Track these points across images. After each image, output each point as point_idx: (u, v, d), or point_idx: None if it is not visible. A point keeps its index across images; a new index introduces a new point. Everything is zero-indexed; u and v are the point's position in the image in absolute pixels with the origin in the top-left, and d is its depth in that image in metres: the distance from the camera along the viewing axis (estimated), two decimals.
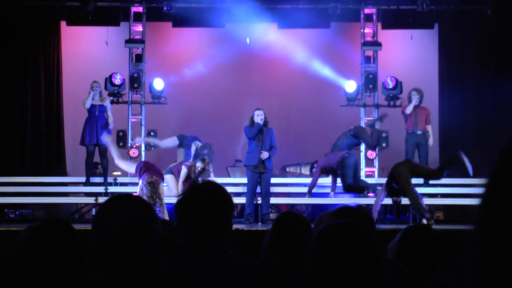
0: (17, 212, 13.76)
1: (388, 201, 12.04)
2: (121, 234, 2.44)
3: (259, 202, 12.19)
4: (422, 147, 13.33)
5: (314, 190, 14.05)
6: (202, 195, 2.89)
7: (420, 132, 13.32)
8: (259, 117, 11.90)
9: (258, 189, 12.10)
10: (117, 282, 2.47)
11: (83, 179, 13.61)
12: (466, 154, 11.63)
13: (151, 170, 10.98)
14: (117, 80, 15.02)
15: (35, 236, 3.05)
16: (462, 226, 10.22)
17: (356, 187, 12.46)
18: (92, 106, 13.34)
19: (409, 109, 13.32)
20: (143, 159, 15.34)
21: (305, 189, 14.40)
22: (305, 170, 16.73)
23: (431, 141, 13.56)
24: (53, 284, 2.91)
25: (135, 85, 15.51)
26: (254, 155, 11.81)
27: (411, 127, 13.40)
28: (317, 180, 12.90)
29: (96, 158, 13.78)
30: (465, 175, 13.32)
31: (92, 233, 2.53)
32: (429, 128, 13.59)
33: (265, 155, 11.77)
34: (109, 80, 15.02)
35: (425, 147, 13.37)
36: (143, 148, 15.44)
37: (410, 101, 13.45)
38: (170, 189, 12.46)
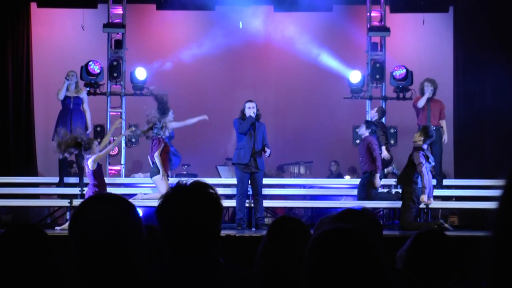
0: None
1: (398, 204, 12.07)
2: (101, 239, 2.43)
3: (252, 205, 12.19)
4: (435, 144, 13.28)
5: (314, 192, 14.09)
6: (186, 197, 2.88)
7: (434, 128, 13.29)
8: (251, 110, 11.89)
9: (250, 191, 12.11)
10: None
11: (56, 180, 13.58)
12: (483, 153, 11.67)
13: None
14: (94, 68, 14.96)
15: (2, 243, 3.04)
16: (479, 233, 10.24)
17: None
18: (67, 97, 13.30)
19: (421, 102, 13.31)
20: (123, 156, 15.35)
21: (303, 191, 14.42)
22: (304, 169, 16.75)
23: (445, 137, 13.52)
24: None
25: (115, 74, 15.48)
26: (245, 153, 11.82)
27: (424, 122, 13.36)
28: None
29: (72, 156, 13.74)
30: (483, 175, 13.35)
31: (69, 238, 2.53)
32: (443, 123, 13.55)
33: (268, 153, 11.83)
34: (85, 69, 14.93)
35: (438, 145, 13.33)
36: (123, 145, 15.41)
37: (422, 93, 13.42)
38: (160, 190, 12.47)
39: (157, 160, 12.30)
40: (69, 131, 13.03)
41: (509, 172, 1.56)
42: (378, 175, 12.65)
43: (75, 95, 13.35)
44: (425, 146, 11.85)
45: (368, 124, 13.04)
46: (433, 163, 12.08)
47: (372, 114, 14.42)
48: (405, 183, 11.84)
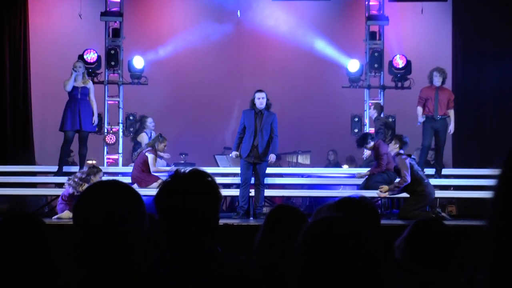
0: None
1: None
2: (102, 224, 2.43)
3: (251, 194, 12.18)
4: (440, 133, 13.12)
5: (312, 182, 14.08)
6: (185, 185, 2.87)
7: (440, 117, 13.12)
8: (260, 101, 11.78)
9: (253, 180, 12.10)
10: (95, 280, 2.46)
11: (53, 168, 13.57)
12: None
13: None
14: (90, 57, 14.91)
15: (0, 231, 3.04)
16: (477, 222, 10.25)
17: None
18: (74, 88, 13.09)
19: (419, 118, 13.22)
20: (121, 145, 15.35)
21: (302, 180, 14.42)
22: (302, 159, 16.75)
23: (451, 128, 13.24)
24: (19, 287, 2.91)
25: (112, 63, 15.46)
26: (248, 145, 11.79)
27: (431, 111, 13.12)
28: None
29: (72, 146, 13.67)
30: (482, 164, 13.32)
31: (73, 222, 2.53)
32: (451, 113, 13.25)
33: (273, 158, 11.87)
34: (81, 57, 14.92)
35: (443, 134, 13.13)
36: (120, 134, 15.42)
37: (431, 82, 13.23)
38: None
39: (160, 169, 12.48)
40: (78, 121, 12.93)
41: (504, 161, 1.56)
42: (364, 171, 12.76)
43: (82, 85, 13.13)
44: (402, 151, 11.82)
45: (371, 136, 13.05)
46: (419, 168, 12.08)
47: (371, 113, 14.41)
48: (410, 191, 11.75)
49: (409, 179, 11.51)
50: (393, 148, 11.90)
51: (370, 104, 14.87)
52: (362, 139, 13.10)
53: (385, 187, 11.77)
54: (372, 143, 12.86)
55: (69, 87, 13.02)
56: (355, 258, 2.17)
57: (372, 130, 14.99)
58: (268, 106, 11.85)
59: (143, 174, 12.48)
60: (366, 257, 2.19)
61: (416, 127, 13.56)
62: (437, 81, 13.14)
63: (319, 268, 2.18)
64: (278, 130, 11.90)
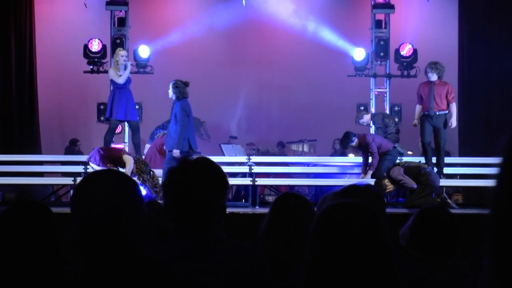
0: None
1: None
2: (101, 215, 2.43)
3: (252, 183, 12.16)
4: (438, 132, 12.64)
5: (318, 171, 14.08)
6: (193, 173, 2.88)
7: (438, 113, 12.60)
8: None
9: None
10: (97, 271, 2.47)
11: (60, 158, 13.57)
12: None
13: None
14: (94, 46, 14.91)
15: (7, 219, 3.05)
16: (484, 210, 10.24)
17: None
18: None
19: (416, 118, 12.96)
20: (126, 134, 15.35)
21: (307, 169, 14.41)
22: (307, 147, 16.74)
23: (452, 121, 12.47)
24: (26, 275, 2.92)
25: None
26: None
27: (426, 108, 12.65)
28: None
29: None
30: (488, 153, 13.28)
31: (71, 215, 2.53)
32: (452, 107, 12.76)
33: (175, 153, 11.24)
34: (87, 46, 14.94)
35: (442, 132, 12.61)
36: (126, 123, 15.41)
37: (427, 77, 12.82)
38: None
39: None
40: (124, 111, 12.59)
41: (504, 148, 1.57)
42: (370, 172, 12.62)
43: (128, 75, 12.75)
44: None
45: (353, 134, 12.90)
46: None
47: (366, 121, 14.31)
48: (416, 179, 11.73)
49: (415, 186, 11.55)
50: (390, 187, 11.85)
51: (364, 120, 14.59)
52: (346, 139, 12.80)
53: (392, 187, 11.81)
54: (356, 140, 12.68)
55: (123, 80, 12.42)
56: (369, 243, 2.19)
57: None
58: (177, 96, 11.44)
59: (158, 156, 12.47)
60: (379, 242, 2.21)
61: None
62: (431, 76, 12.63)
63: (332, 253, 2.19)
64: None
